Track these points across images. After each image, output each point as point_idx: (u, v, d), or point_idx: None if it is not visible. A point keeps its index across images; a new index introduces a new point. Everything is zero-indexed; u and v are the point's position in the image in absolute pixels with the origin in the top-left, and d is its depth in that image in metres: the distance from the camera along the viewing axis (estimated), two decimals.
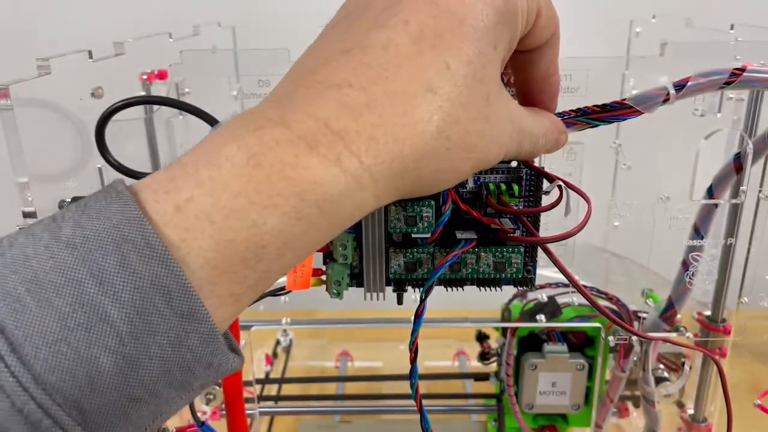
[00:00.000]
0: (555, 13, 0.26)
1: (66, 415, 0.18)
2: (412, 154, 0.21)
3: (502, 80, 0.32)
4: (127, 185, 0.20)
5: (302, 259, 0.22)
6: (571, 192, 0.30)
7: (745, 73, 0.30)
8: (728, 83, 0.30)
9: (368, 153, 0.21)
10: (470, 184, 0.31)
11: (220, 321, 0.21)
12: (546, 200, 0.32)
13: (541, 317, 0.47)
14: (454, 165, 0.23)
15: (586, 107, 0.30)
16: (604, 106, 0.30)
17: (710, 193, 0.39)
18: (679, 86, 0.30)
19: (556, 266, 0.30)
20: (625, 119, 0.30)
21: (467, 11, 0.22)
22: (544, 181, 0.32)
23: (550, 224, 0.37)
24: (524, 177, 0.32)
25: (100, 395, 0.18)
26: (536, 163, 0.31)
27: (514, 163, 0.31)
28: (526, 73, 0.28)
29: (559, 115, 0.30)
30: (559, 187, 0.30)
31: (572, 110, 0.30)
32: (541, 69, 0.28)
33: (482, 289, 0.33)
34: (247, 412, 0.46)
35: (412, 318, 0.30)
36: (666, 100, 0.30)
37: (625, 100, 0.30)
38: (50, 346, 0.18)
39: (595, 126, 0.31)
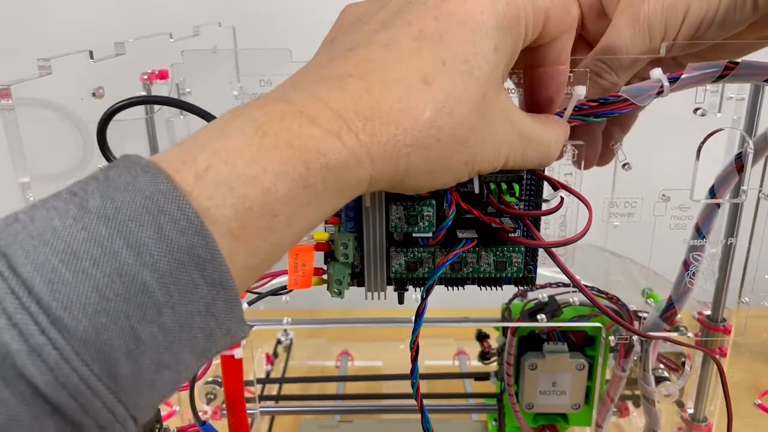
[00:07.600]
0: (569, 10, 0.27)
1: (104, 387, 0.18)
2: (404, 137, 0.23)
3: (513, 81, 0.32)
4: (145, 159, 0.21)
5: (306, 233, 0.23)
6: (572, 198, 0.30)
7: (739, 67, 0.30)
8: (722, 76, 0.30)
9: (365, 131, 0.22)
10: (474, 188, 0.31)
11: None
12: (547, 204, 0.32)
13: (542, 317, 0.47)
14: (446, 159, 0.24)
15: (581, 103, 0.30)
16: (598, 99, 0.30)
17: (712, 193, 0.39)
18: (673, 78, 0.30)
19: (558, 266, 0.30)
20: (620, 113, 0.30)
21: (468, 15, 0.24)
22: (545, 185, 0.32)
23: (550, 223, 0.37)
24: (524, 177, 0.32)
25: (133, 364, 0.19)
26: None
27: None
28: (534, 59, 0.29)
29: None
30: (562, 198, 0.30)
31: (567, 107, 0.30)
32: (551, 56, 0.28)
33: (483, 288, 0.33)
34: (248, 411, 0.47)
35: (413, 317, 0.30)
36: (660, 93, 0.30)
37: (619, 92, 0.30)
38: (90, 318, 0.18)
39: (591, 122, 0.31)
